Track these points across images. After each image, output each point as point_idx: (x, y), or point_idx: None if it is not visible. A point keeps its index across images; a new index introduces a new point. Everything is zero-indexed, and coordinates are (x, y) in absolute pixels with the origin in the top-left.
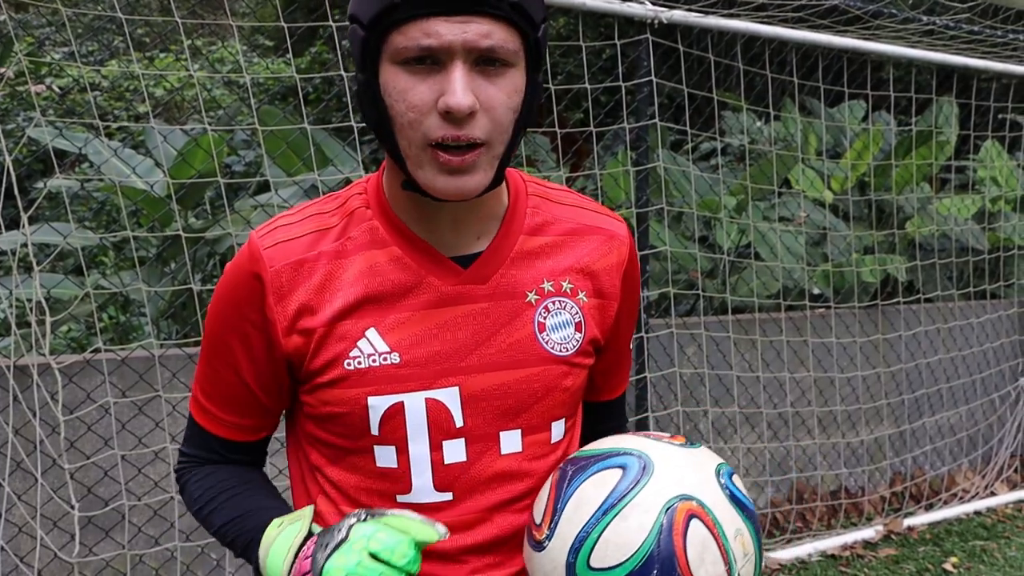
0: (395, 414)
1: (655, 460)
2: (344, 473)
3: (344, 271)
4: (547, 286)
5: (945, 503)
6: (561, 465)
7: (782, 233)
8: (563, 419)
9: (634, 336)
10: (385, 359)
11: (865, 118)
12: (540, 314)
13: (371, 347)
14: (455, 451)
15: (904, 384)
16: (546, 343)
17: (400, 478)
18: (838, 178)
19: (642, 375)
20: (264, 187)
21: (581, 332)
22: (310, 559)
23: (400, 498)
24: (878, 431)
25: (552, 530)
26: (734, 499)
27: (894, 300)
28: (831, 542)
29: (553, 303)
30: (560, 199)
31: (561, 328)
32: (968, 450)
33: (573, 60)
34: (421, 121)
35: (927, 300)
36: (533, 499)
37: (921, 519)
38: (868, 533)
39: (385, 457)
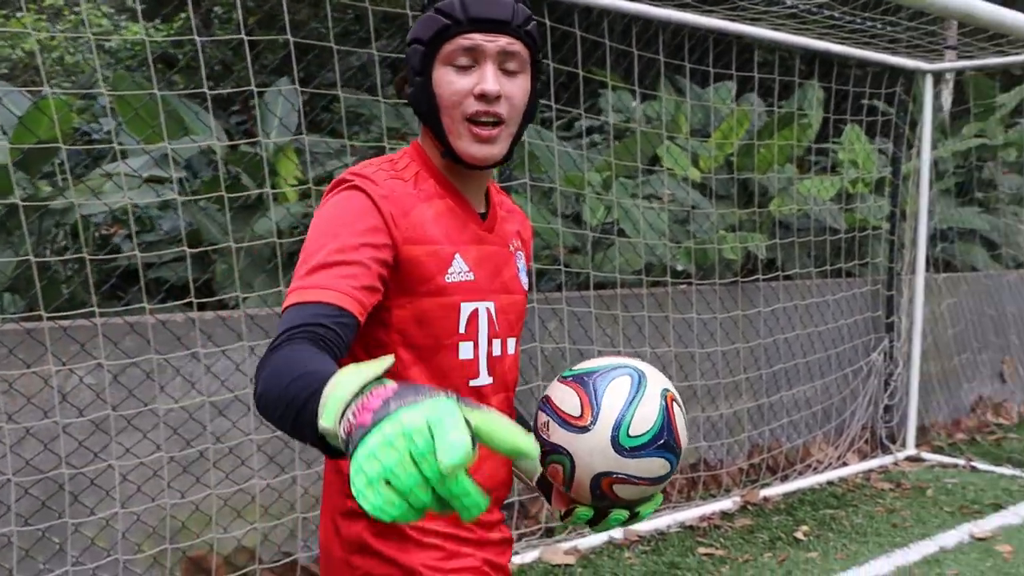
0: (473, 317)
1: (643, 369)
2: (428, 370)
3: (425, 212)
4: (513, 242)
5: (800, 474)
6: (570, 377)
7: (646, 210)
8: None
9: None
10: (466, 276)
11: (735, 99)
12: (516, 260)
13: (459, 267)
14: (496, 347)
15: (763, 359)
16: (521, 280)
17: (472, 366)
18: (705, 158)
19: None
20: (123, 155)
21: (527, 278)
22: (382, 400)
23: (471, 383)
24: (737, 405)
25: (595, 417)
26: None
27: (754, 277)
28: (689, 513)
29: (517, 255)
30: (496, 185)
31: (521, 272)
32: (822, 422)
33: None
34: (461, 102)
35: (786, 277)
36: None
37: (776, 489)
38: (726, 504)
39: (466, 350)
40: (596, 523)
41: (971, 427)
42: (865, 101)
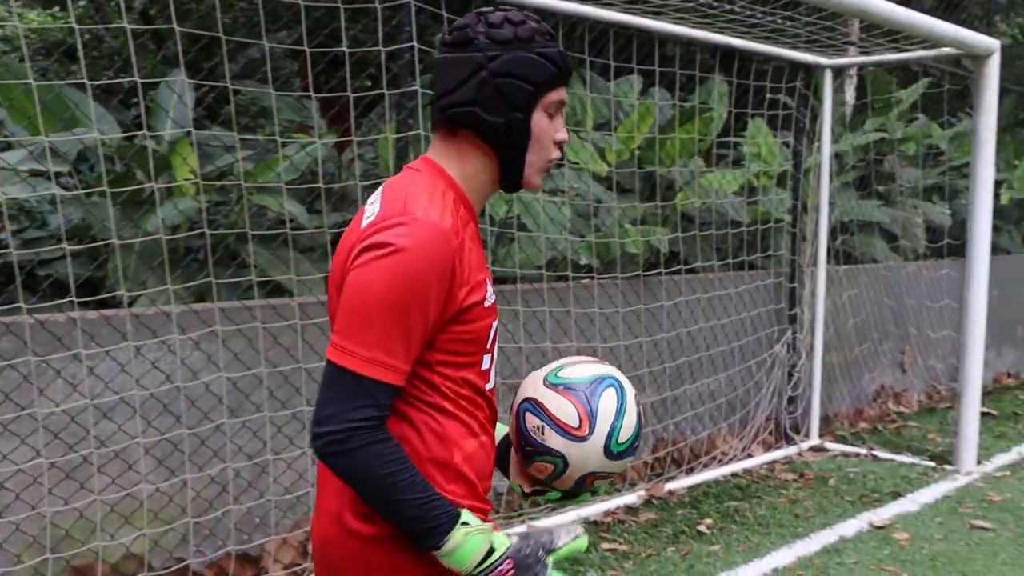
0: (494, 333)
1: (619, 378)
2: (460, 379)
3: (470, 246)
4: None
5: (705, 466)
6: (560, 386)
7: (548, 205)
8: None
9: None
10: (492, 298)
11: (642, 92)
12: None
13: (489, 290)
14: (493, 359)
15: (666, 352)
16: None
17: (488, 375)
18: (611, 151)
19: None
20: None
21: None
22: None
23: (487, 387)
24: (641, 399)
25: (592, 429)
26: None
27: (656, 271)
28: (594, 509)
29: None
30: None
31: None
32: (727, 414)
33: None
34: (550, 147)
35: (690, 271)
36: None
37: (681, 483)
38: (631, 498)
39: (486, 361)
40: (564, 500)
41: (873, 416)
42: (769, 95)
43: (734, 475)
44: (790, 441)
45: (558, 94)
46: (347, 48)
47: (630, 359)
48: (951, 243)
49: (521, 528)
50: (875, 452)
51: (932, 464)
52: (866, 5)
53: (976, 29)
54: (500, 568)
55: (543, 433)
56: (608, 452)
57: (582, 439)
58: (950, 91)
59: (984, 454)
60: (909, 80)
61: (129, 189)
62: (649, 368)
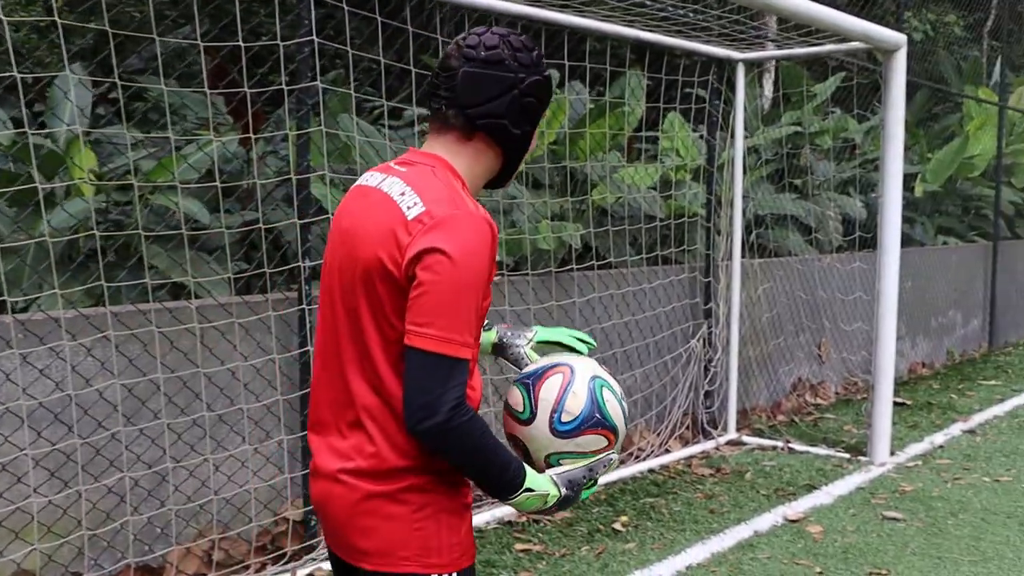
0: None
1: (574, 364)
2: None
3: None
4: None
5: (621, 463)
6: (519, 379)
7: None
8: None
9: (295, 308)
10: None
11: (558, 87)
12: None
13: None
14: None
15: None
16: None
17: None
18: None
19: (304, 348)
20: None
21: None
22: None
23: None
24: None
25: (533, 412)
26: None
27: (568, 267)
28: (509, 508)
29: None
30: None
31: None
32: (644, 410)
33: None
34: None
35: (606, 266)
36: None
37: (598, 481)
38: None
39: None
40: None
41: (790, 409)
42: (686, 90)
43: (651, 471)
44: (707, 436)
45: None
46: (243, 43)
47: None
48: (863, 236)
49: None
50: (791, 445)
51: (847, 456)
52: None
53: (887, 24)
54: (549, 511)
55: (507, 423)
56: (554, 431)
57: (527, 423)
58: (865, 85)
59: (898, 444)
60: (826, 74)
61: (13, 189)
62: None
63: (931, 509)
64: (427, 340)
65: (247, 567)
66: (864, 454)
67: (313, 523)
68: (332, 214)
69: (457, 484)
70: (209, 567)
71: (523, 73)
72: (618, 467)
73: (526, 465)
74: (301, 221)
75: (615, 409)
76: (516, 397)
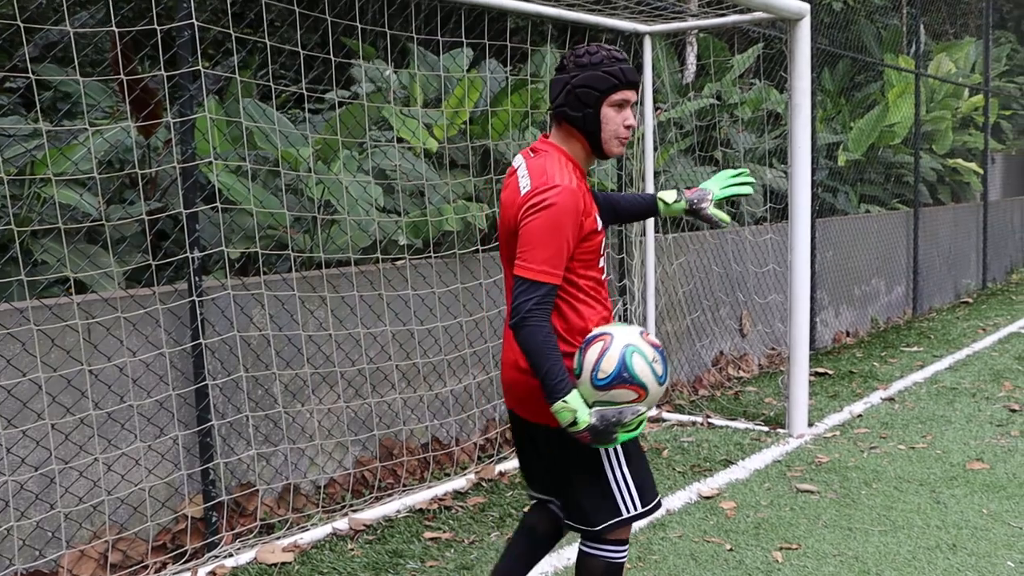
0: (602, 246)
1: (614, 332)
2: (587, 276)
3: (586, 192)
4: None
5: None
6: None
7: (357, 185)
8: None
9: (186, 300)
10: (599, 222)
11: (475, 65)
12: None
13: (597, 219)
14: (601, 263)
15: (488, 331)
16: None
17: (602, 271)
18: (440, 127)
19: (197, 341)
20: None
21: None
22: (600, 416)
23: (602, 276)
24: (465, 380)
25: (580, 370)
26: (650, 346)
27: (473, 248)
28: (421, 496)
29: None
30: None
31: None
32: None
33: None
34: (617, 128)
35: None
36: None
37: (513, 463)
38: (459, 483)
39: (601, 261)
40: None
41: (712, 383)
42: None
43: None
44: None
45: (621, 95)
46: (116, 28)
47: (450, 340)
48: (774, 207)
49: (343, 521)
50: (711, 420)
51: (766, 429)
52: None
53: None
54: (579, 434)
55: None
56: (593, 384)
57: (577, 377)
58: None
59: (817, 415)
60: (747, 45)
61: None
62: (472, 348)
63: (845, 480)
64: (518, 267)
65: (146, 567)
66: (783, 426)
67: (214, 519)
68: (225, 201)
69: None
70: (105, 569)
71: (576, 71)
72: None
73: (574, 394)
74: (187, 211)
75: (643, 370)
76: (572, 359)
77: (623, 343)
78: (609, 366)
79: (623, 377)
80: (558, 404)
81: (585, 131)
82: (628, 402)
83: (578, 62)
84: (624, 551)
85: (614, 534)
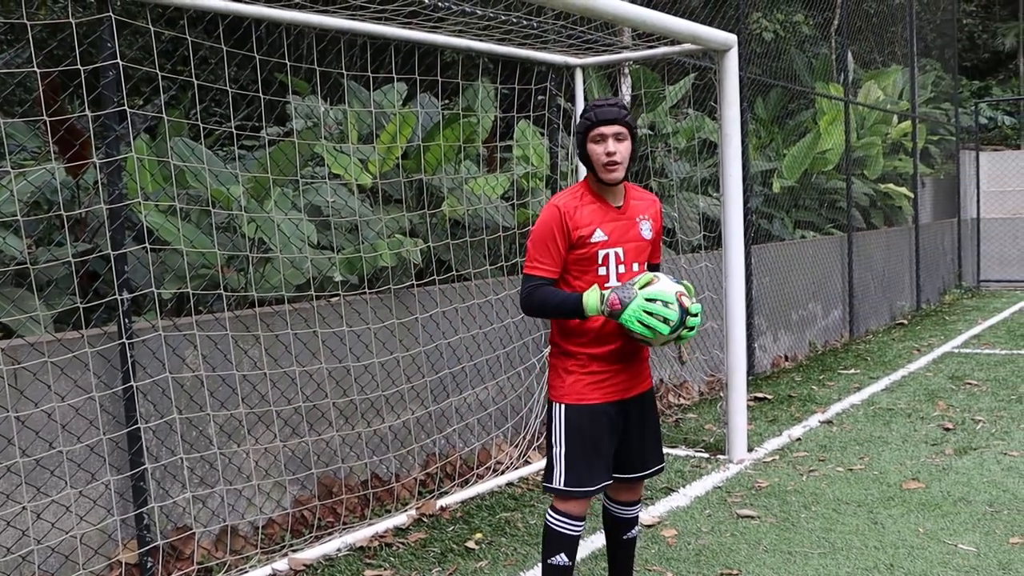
0: (606, 257)
1: (661, 276)
2: (586, 281)
3: (583, 209)
4: (640, 216)
5: (480, 478)
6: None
7: (291, 222)
8: (644, 262)
9: (116, 343)
10: (604, 236)
11: (407, 101)
12: (640, 224)
13: (601, 234)
14: (622, 268)
15: (426, 366)
16: (642, 234)
17: (605, 280)
18: (374, 162)
19: (128, 384)
20: None
21: (651, 232)
22: (617, 297)
23: (606, 285)
24: (404, 415)
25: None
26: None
27: (408, 284)
28: (361, 534)
29: (641, 222)
30: (635, 187)
31: (643, 230)
32: (500, 423)
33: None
34: (600, 158)
35: (445, 280)
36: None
37: (455, 497)
38: (400, 519)
39: (601, 272)
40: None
41: None
42: (542, 97)
43: (510, 484)
44: None
45: (596, 132)
46: (39, 68)
47: (387, 375)
48: (708, 235)
49: (283, 561)
50: None
51: (706, 455)
52: (592, 4)
53: (735, 25)
54: (609, 300)
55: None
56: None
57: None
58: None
59: (757, 440)
60: (680, 75)
61: None
62: (410, 383)
63: (785, 504)
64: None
65: None
66: (723, 452)
67: (149, 565)
68: (156, 242)
69: (563, 356)
70: None
71: (579, 125)
72: (476, 482)
73: (584, 296)
74: (116, 252)
75: (672, 306)
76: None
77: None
78: (663, 287)
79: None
80: (584, 303)
81: (587, 164)
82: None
83: (582, 116)
84: (560, 522)
85: (556, 502)
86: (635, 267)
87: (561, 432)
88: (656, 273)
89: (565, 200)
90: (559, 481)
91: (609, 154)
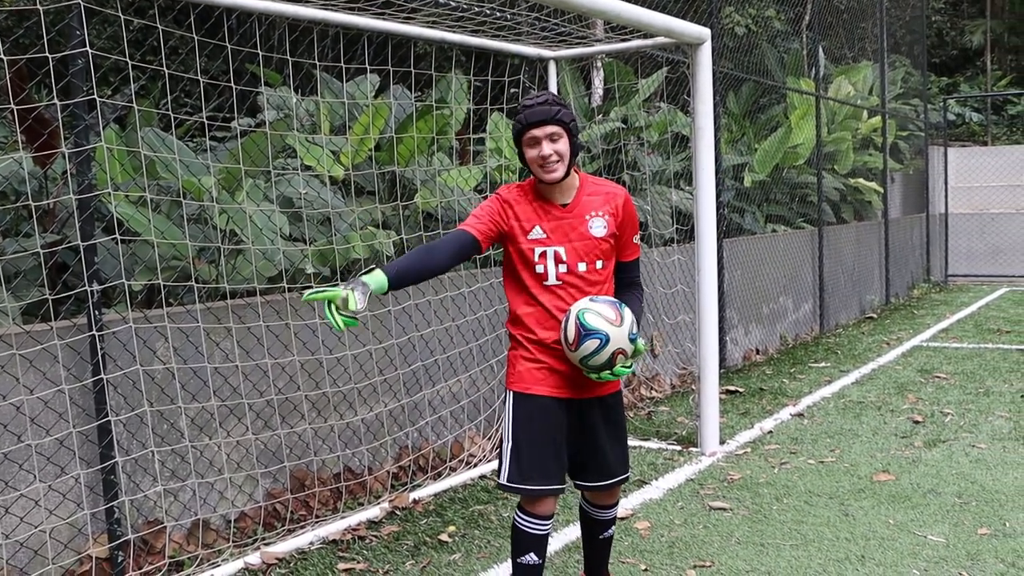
0: (543, 255)
1: (571, 307)
2: (527, 275)
3: (525, 206)
4: (591, 212)
5: (453, 470)
6: (603, 303)
7: (263, 214)
8: (600, 260)
9: (86, 335)
10: (540, 235)
11: (379, 93)
12: (589, 221)
13: (539, 232)
14: (563, 267)
15: (398, 359)
16: (591, 231)
17: (544, 276)
18: (346, 153)
19: (98, 377)
20: None
21: (606, 229)
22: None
23: (545, 283)
24: (376, 408)
25: (623, 320)
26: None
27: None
28: (334, 527)
29: (592, 219)
30: (595, 181)
31: (593, 228)
32: (472, 415)
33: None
34: (536, 160)
35: None
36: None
37: (427, 490)
38: (373, 512)
39: (540, 268)
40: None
41: (625, 404)
42: (515, 90)
43: (483, 477)
44: None
45: (528, 135)
46: (5, 56)
47: (360, 368)
48: (680, 228)
49: (255, 555)
50: None
51: (679, 448)
52: None
53: (708, 19)
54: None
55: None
56: (569, 350)
57: (618, 326)
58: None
59: (729, 433)
60: (653, 69)
61: None
62: (382, 376)
63: (757, 496)
64: None
65: None
66: (695, 445)
67: (120, 559)
68: (126, 233)
69: (513, 344)
70: None
71: (512, 128)
72: (449, 475)
73: (378, 269)
74: (85, 243)
75: (595, 320)
76: (608, 311)
77: (576, 309)
78: (571, 331)
79: (582, 333)
80: (377, 277)
81: (526, 166)
82: (594, 351)
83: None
84: (527, 522)
85: (522, 501)
86: (581, 267)
87: (509, 422)
88: (616, 308)
89: (511, 192)
90: (504, 475)
91: (544, 157)
